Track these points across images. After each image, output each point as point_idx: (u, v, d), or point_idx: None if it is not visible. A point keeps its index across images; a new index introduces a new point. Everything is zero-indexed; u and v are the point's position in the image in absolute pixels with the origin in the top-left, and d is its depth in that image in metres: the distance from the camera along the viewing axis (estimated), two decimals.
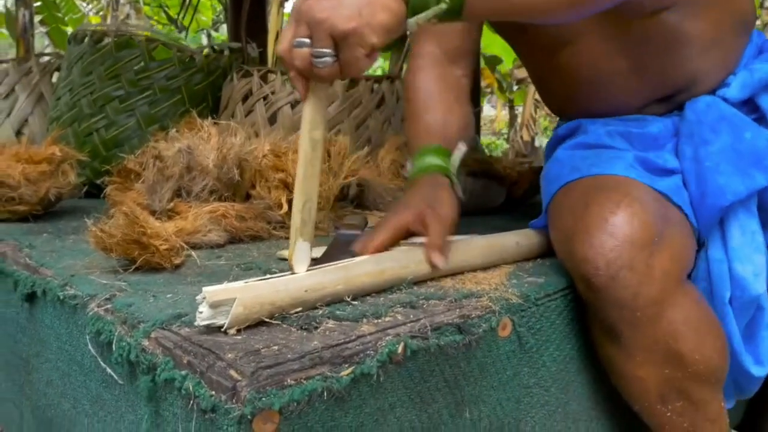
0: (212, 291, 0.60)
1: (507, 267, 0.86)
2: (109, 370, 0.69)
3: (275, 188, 1.11)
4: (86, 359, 0.75)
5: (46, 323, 0.88)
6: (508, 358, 0.73)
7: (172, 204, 1.07)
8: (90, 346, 0.71)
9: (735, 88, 0.89)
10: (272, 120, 1.56)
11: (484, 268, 0.85)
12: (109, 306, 0.72)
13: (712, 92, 0.91)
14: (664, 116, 0.92)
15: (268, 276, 0.66)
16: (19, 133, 1.98)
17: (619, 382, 0.83)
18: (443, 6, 0.66)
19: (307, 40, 0.63)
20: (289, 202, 1.11)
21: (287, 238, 1.11)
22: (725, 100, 0.89)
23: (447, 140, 0.91)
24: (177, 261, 0.87)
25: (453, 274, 0.81)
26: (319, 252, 0.92)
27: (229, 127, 1.22)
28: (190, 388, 0.54)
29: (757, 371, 0.87)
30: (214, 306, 0.60)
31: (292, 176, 1.11)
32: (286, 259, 0.93)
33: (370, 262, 0.72)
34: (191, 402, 0.55)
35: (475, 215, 1.37)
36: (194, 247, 1.00)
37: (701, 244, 0.88)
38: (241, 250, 1.01)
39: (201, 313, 0.60)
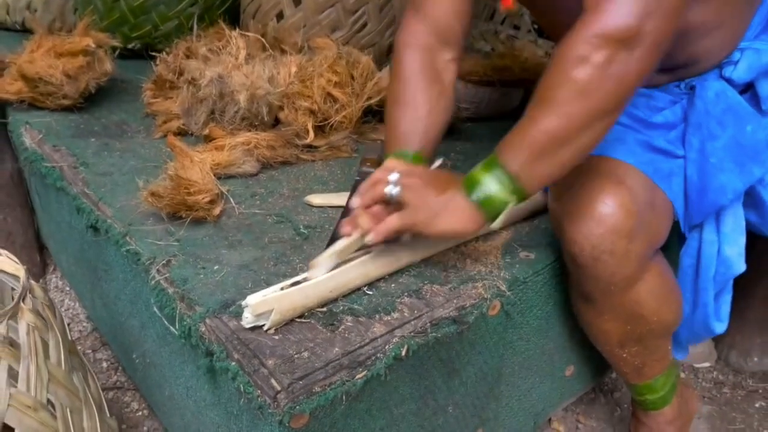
0: (255, 304, 0.74)
1: (506, 234, 0.98)
2: (172, 329, 0.86)
3: (302, 114, 1.18)
4: (150, 305, 0.92)
5: (110, 253, 1.03)
6: (495, 329, 0.89)
7: (207, 130, 1.16)
8: (155, 309, 0.88)
9: (741, 70, 0.90)
10: (297, 0, 1.55)
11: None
12: (167, 275, 0.87)
13: (718, 67, 0.92)
14: (672, 92, 0.95)
15: (299, 278, 0.79)
16: None
17: (587, 330, 0.99)
18: (512, 204, 0.78)
19: (393, 182, 0.82)
20: (315, 128, 1.20)
21: (313, 161, 1.22)
22: (731, 80, 0.92)
23: (426, 146, 0.93)
24: (217, 211, 0.99)
25: (456, 246, 0.93)
26: (341, 199, 1.04)
27: (256, 40, 1.26)
28: (242, 388, 0.71)
29: (718, 327, 1.02)
30: (256, 314, 0.74)
31: (318, 103, 1.18)
32: (312, 206, 1.05)
33: (385, 255, 0.85)
34: (242, 398, 0.72)
35: (491, 120, 1.44)
36: (231, 177, 1.12)
37: (695, 225, 0.97)
38: (273, 183, 1.12)
39: (246, 317, 0.75)
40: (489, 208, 0.78)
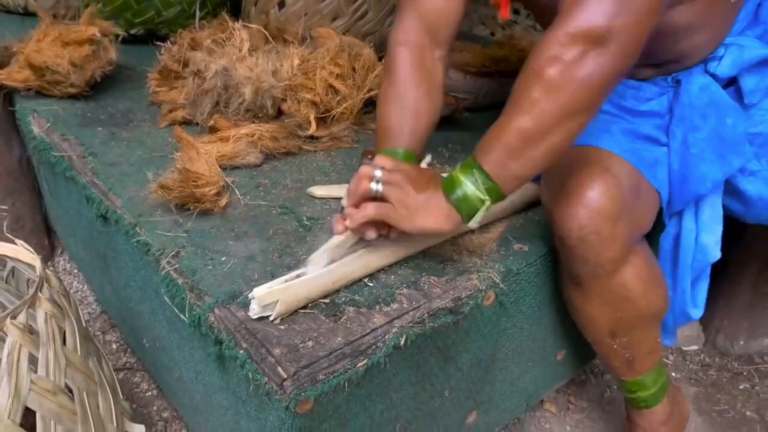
0: (261, 295, 0.78)
1: (500, 226, 1.01)
2: (182, 317, 0.90)
3: (305, 106, 1.21)
4: (160, 293, 0.96)
5: (120, 242, 1.07)
6: (489, 318, 0.93)
7: (212, 121, 1.20)
8: (166, 298, 0.92)
9: (725, 65, 0.93)
10: None
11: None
12: (177, 266, 0.91)
13: (704, 62, 0.96)
14: (659, 85, 0.98)
15: (301, 272, 0.83)
16: None
17: (577, 318, 1.04)
18: (488, 204, 0.80)
19: (378, 181, 0.84)
20: (317, 119, 1.23)
21: (315, 151, 1.26)
22: (715, 75, 0.95)
23: (414, 145, 0.97)
24: (223, 203, 1.03)
25: (453, 238, 0.98)
26: (342, 191, 1.07)
27: (258, 32, 1.28)
28: (250, 375, 0.76)
29: (695, 313, 1.07)
30: (263, 306, 0.79)
31: (320, 95, 1.21)
32: (315, 197, 1.09)
33: (384, 247, 0.89)
34: (251, 384, 0.77)
35: (489, 110, 1.47)
36: (235, 167, 1.16)
37: (674, 213, 1.01)
38: (276, 174, 1.16)
39: (253, 308, 0.79)
40: (465, 208, 0.81)
